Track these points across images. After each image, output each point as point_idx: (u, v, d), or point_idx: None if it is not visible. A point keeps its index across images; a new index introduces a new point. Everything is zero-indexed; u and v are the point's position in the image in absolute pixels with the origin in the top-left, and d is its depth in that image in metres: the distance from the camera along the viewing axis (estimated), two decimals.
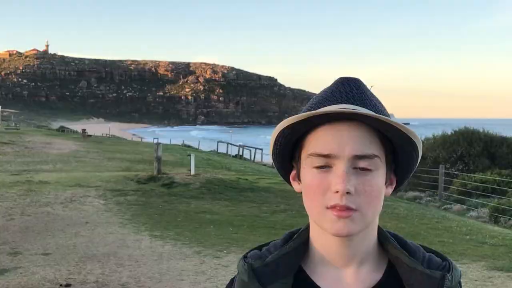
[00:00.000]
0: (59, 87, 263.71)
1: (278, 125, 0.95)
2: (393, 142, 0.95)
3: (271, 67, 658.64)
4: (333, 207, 0.92)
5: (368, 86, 0.99)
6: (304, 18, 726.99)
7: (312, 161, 0.94)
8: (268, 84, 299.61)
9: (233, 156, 37.76)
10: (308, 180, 0.95)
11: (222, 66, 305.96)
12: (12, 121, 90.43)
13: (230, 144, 41.27)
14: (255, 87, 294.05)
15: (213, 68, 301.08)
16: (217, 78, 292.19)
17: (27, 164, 22.40)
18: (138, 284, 6.41)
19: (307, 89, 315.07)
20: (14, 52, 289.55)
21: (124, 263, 7.33)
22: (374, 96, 0.99)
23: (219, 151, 41.96)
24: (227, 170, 20.16)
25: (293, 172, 1.03)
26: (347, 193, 0.90)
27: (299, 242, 1.02)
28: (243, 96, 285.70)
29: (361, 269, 0.99)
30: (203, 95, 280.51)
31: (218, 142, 45.05)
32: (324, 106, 0.95)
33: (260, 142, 50.20)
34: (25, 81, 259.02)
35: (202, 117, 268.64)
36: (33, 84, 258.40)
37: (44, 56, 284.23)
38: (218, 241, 8.87)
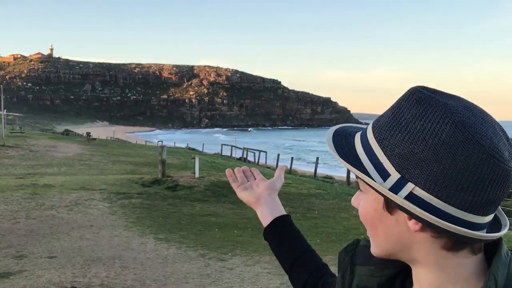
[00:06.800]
0: (63, 91, 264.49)
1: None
2: None
3: (275, 70, 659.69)
4: None
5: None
6: (308, 20, 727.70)
7: None
8: (272, 87, 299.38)
9: (237, 159, 37.77)
10: None
11: (226, 69, 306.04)
12: (16, 124, 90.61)
13: (234, 146, 41.32)
14: (259, 89, 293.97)
15: (217, 71, 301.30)
16: (221, 81, 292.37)
17: (32, 167, 22.47)
18: (143, 287, 6.42)
19: (311, 92, 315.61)
20: (19, 56, 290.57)
21: (129, 266, 7.34)
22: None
23: (223, 154, 42.01)
24: None
25: None
26: None
27: None
28: (247, 98, 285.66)
29: None
30: (207, 98, 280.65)
31: (222, 145, 45.09)
32: None
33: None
34: (29, 84, 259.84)
35: (206, 120, 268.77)
36: (37, 87, 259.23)
37: (48, 59, 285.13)
38: (222, 244, 8.87)
